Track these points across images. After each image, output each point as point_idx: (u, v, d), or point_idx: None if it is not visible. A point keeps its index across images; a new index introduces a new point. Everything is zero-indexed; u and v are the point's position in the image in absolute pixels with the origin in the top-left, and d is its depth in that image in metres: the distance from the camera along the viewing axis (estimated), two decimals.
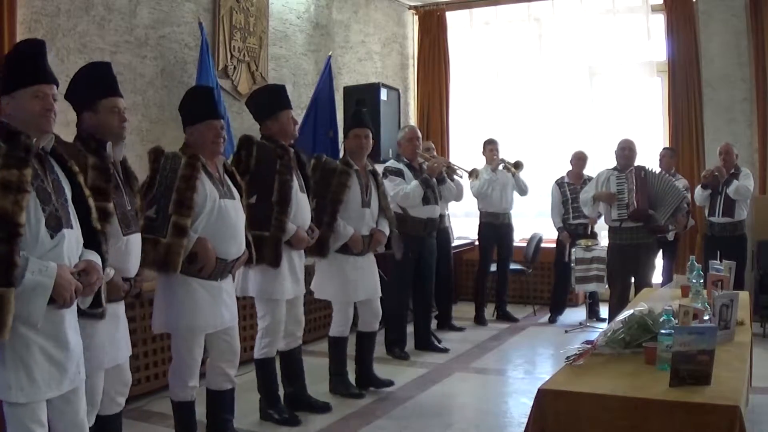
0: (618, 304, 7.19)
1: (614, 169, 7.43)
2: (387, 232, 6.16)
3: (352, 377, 6.18)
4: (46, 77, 3.16)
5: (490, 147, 9.12)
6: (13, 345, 2.85)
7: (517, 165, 9.02)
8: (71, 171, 3.22)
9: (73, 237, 3.11)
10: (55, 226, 3.01)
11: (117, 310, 3.73)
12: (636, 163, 7.39)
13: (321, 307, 7.74)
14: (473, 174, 8.53)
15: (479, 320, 9.07)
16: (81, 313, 3.26)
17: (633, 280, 7.40)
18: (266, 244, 5.01)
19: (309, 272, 5.87)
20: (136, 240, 3.81)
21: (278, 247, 5.06)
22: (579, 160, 9.11)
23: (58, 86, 3.22)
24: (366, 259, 6.07)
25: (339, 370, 6.08)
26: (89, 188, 3.38)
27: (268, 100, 5.45)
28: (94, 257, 3.22)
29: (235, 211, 4.55)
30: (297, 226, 5.22)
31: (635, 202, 7.10)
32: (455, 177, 8.17)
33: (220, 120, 4.60)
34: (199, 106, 4.61)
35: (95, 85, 3.76)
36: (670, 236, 8.59)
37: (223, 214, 4.44)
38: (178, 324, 4.43)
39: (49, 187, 3.05)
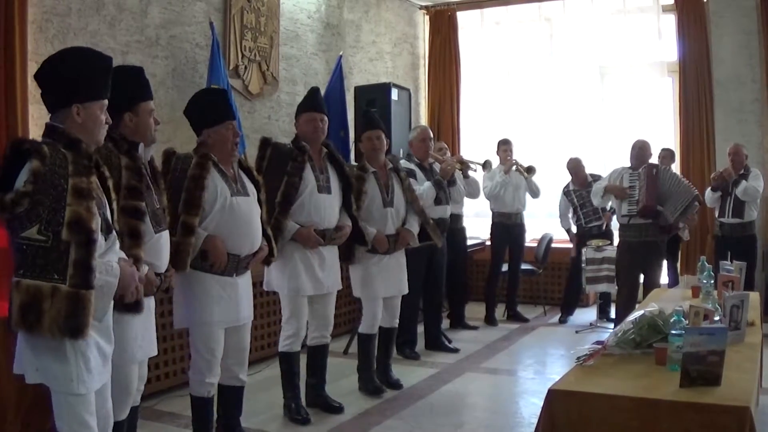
0: (626, 302, 7.21)
1: (629, 168, 7.44)
2: (415, 229, 6.17)
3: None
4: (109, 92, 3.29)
5: (504, 147, 9.11)
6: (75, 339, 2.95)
7: (530, 170, 9.01)
8: (103, 175, 3.29)
9: (116, 239, 3.24)
10: (107, 229, 3.15)
11: (149, 305, 3.81)
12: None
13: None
14: (486, 166, 8.58)
15: (490, 320, 9.06)
16: (118, 307, 3.36)
17: (642, 279, 7.38)
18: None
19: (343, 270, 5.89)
20: (166, 236, 3.91)
21: (271, 246, 5.02)
22: (576, 166, 9.07)
23: None
24: (393, 258, 6.09)
25: (367, 366, 6.12)
26: (124, 188, 3.51)
27: (302, 101, 5.56)
28: (123, 255, 3.32)
29: (248, 208, 4.60)
30: (310, 225, 5.23)
31: (644, 199, 7.10)
32: (469, 173, 8.18)
33: (234, 121, 4.67)
34: (217, 107, 4.65)
35: (136, 87, 3.84)
36: (685, 236, 8.64)
37: (234, 212, 4.49)
38: (194, 319, 4.49)
39: (100, 192, 3.16)
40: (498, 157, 9.12)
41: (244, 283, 4.66)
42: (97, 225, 2.97)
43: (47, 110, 3.20)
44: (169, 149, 4.54)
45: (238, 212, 4.50)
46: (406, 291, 6.24)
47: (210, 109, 4.64)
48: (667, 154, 9.03)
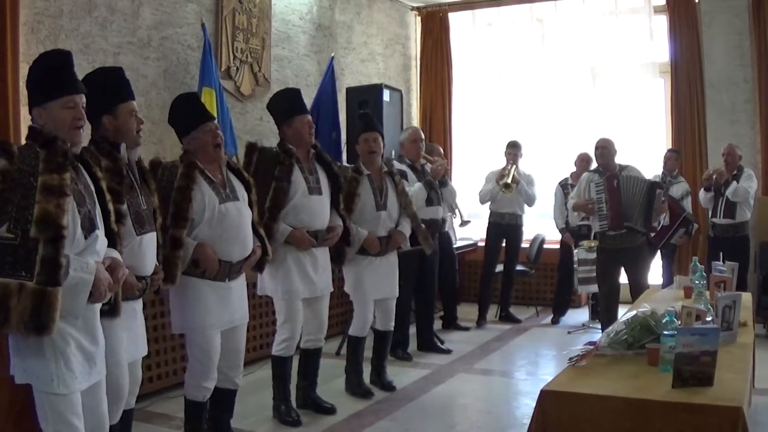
0: (604, 305, 7.19)
1: (595, 171, 7.31)
2: (407, 232, 6.17)
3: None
4: (76, 87, 3.28)
5: (510, 151, 9.00)
6: (53, 338, 2.96)
7: (507, 186, 8.85)
8: (95, 176, 3.34)
9: (101, 237, 3.23)
10: (89, 227, 3.16)
11: (134, 307, 3.82)
12: (625, 163, 7.24)
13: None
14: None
15: (481, 321, 9.06)
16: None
17: (627, 281, 7.28)
18: None
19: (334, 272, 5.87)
20: (151, 239, 3.87)
21: (264, 246, 5.02)
22: (582, 161, 9.03)
23: (86, 95, 3.33)
24: (385, 260, 6.07)
25: (355, 368, 6.12)
26: (105, 190, 3.47)
27: (284, 105, 5.45)
28: (116, 255, 3.34)
29: (238, 213, 4.56)
30: (303, 226, 5.21)
31: (609, 216, 6.98)
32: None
33: (213, 121, 4.64)
34: (190, 112, 4.63)
35: (113, 89, 3.83)
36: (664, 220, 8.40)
37: (223, 219, 4.47)
38: (188, 324, 4.49)
39: (83, 190, 3.19)
40: (505, 158, 9.05)
41: (237, 285, 4.65)
42: (69, 222, 2.99)
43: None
44: (154, 160, 4.48)
45: (227, 219, 4.48)
46: (396, 294, 6.22)
47: (184, 116, 4.64)
48: (671, 156, 8.95)
